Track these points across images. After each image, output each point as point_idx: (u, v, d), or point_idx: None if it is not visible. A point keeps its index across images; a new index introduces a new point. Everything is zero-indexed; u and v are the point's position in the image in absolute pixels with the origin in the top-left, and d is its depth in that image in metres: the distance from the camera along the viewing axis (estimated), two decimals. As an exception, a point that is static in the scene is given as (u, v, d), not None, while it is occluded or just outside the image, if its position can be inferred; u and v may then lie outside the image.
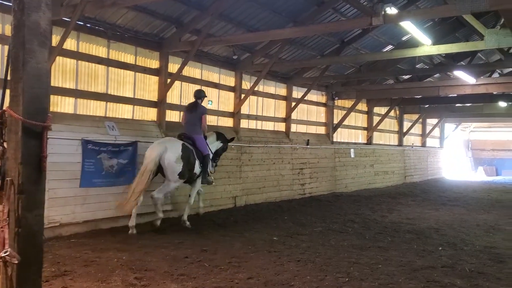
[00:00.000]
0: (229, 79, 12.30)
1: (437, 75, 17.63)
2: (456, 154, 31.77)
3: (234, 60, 11.83)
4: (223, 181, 11.21)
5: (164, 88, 10.13)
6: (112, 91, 9.34)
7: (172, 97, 10.67)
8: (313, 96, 15.85)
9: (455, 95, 17.85)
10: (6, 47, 3.97)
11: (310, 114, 15.96)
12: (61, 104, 8.46)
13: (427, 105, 21.98)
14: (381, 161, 19.85)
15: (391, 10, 7.90)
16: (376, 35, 13.46)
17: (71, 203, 7.94)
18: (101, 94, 9.13)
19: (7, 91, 3.32)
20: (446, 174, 27.53)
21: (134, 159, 9.04)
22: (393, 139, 22.32)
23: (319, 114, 16.48)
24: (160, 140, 8.72)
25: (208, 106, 11.28)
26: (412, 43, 12.23)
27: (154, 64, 10.14)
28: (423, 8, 12.11)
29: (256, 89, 12.67)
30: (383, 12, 7.83)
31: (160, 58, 10.14)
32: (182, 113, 10.84)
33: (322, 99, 16.53)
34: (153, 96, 10.16)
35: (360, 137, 19.48)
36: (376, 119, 19.98)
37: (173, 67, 10.41)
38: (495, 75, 17.27)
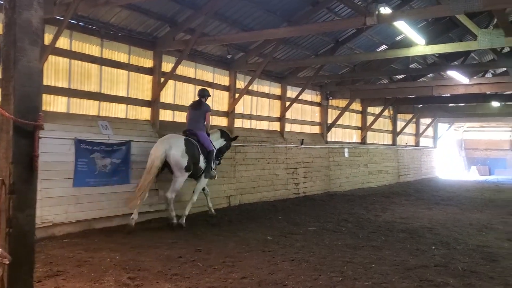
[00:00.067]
0: (223, 79, 12.27)
1: (430, 75, 17.68)
2: (449, 153, 31.92)
3: (228, 59, 11.80)
4: (217, 181, 11.16)
5: (157, 88, 10.09)
6: (105, 90, 9.29)
7: (166, 96, 10.63)
8: (308, 95, 15.86)
9: (449, 95, 17.93)
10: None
11: (305, 113, 15.96)
12: (54, 103, 8.40)
13: (421, 105, 22.05)
14: (375, 160, 19.91)
15: (385, 10, 7.91)
16: (370, 35, 13.49)
17: (64, 203, 7.89)
18: (94, 93, 9.08)
19: (-2, 90, 3.30)
20: (440, 174, 27.66)
21: (128, 158, 9.01)
22: (387, 139, 22.39)
23: (314, 113, 16.49)
24: (164, 137, 8.88)
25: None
26: (406, 43, 12.26)
27: (148, 63, 10.10)
28: (416, 8, 12.14)
29: (250, 88, 12.66)
30: (377, 12, 7.83)
31: (154, 57, 10.10)
32: (176, 112, 10.90)
33: (317, 98, 16.54)
34: (147, 95, 10.12)
35: (354, 136, 19.52)
36: (370, 118, 20.03)
37: (167, 66, 10.37)
38: (488, 75, 17.36)
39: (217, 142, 9.83)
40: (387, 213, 11.59)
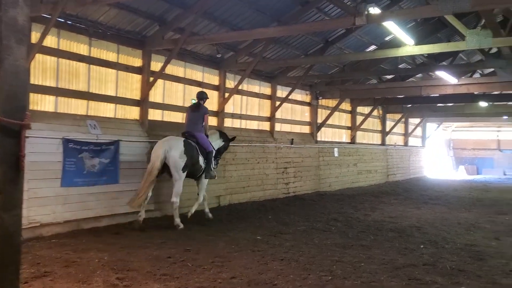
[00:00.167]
0: (213, 78, 12.24)
1: (419, 75, 17.81)
2: (437, 153, 32.19)
3: (218, 58, 11.77)
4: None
5: (146, 87, 10.03)
6: (93, 89, 9.22)
7: (155, 95, 10.58)
8: (298, 95, 15.89)
9: (437, 95, 18.06)
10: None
11: (295, 113, 15.98)
12: (41, 103, 8.32)
13: (410, 105, 22.22)
14: (364, 160, 20.01)
15: (374, 10, 7.95)
16: (360, 35, 13.54)
17: (52, 203, 7.82)
18: (83, 93, 9.00)
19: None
20: (428, 173, 27.89)
21: (116, 158, 8.95)
22: (376, 139, 22.51)
23: (303, 113, 16.53)
24: (164, 139, 8.97)
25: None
26: (395, 43, 12.33)
27: (137, 62, 10.04)
28: (406, 8, 12.21)
29: (240, 88, 12.64)
30: (366, 12, 7.87)
31: (143, 56, 10.05)
32: (165, 111, 10.86)
33: (306, 98, 16.57)
34: (136, 95, 10.06)
35: (343, 136, 19.59)
36: (359, 118, 20.12)
37: (156, 66, 10.32)
38: (476, 75, 17.53)
39: (216, 142, 10.01)
40: (376, 213, 11.65)
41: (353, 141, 19.84)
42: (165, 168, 8.71)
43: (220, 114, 12.33)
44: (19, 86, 3.23)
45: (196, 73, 11.72)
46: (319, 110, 17.22)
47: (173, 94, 11.08)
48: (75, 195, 8.18)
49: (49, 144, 7.82)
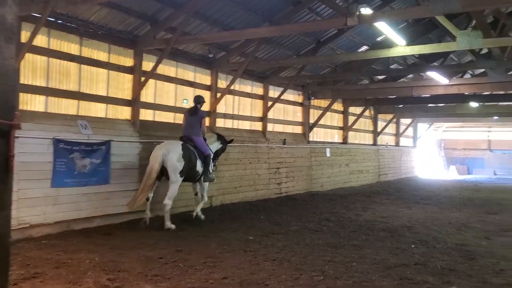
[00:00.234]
0: (205, 78, 12.21)
1: (410, 75, 17.90)
2: (429, 153, 32.38)
3: (210, 58, 11.73)
4: (198, 181, 11.12)
5: (138, 87, 9.98)
6: (84, 89, 9.15)
7: (147, 95, 10.52)
8: (290, 95, 15.90)
9: (428, 95, 18.17)
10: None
11: (287, 113, 15.99)
12: (31, 102, 8.24)
13: (401, 105, 22.31)
14: (356, 160, 20.08)
15: (366, 11, 7.97)
16: (352, 35, 13.58)
17: (42, 204, 7.75)
18: (73, 92, 8.93)
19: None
20: (419, 173, 28.05)
21: (107, 158, 8.89)
22: (368, 139, 22.60)
23: (296, 113, 16.54)
24: (163, 143, 9.08)
25: (183, 105, 11.22)
26: (387, 44, 12.37)
27: (128, 62, 9.99)
28: (397, 9, 12.26)
29: (232, 88, 12.63)
30: (358, 13, 7.88)
31: (134, 56, 9.99)
32: (156, 111, 10.82)
33: (299, 98, 16.58)
34: (127, 95, 10.01)
35: (335, 136, 19.64)
36: (351, 118, 20.19)
37: (147, 65, 10.27)
38: (467, 76, 17.65)
39: (214, 145, 10.14)
40: (367, 212, 11.69)
41: (345, 141, 19.89)
42: (163, 171, 8.79)
43: (212, 114, 12.30)
44: (8, 86, 3.18)
45: (188, 73, 11.68)
46: (311, 110, 17.24)
47: (165, 94, 11.04)
48: (65, 196, 8.12)
49: (39, 144, 7.75)
